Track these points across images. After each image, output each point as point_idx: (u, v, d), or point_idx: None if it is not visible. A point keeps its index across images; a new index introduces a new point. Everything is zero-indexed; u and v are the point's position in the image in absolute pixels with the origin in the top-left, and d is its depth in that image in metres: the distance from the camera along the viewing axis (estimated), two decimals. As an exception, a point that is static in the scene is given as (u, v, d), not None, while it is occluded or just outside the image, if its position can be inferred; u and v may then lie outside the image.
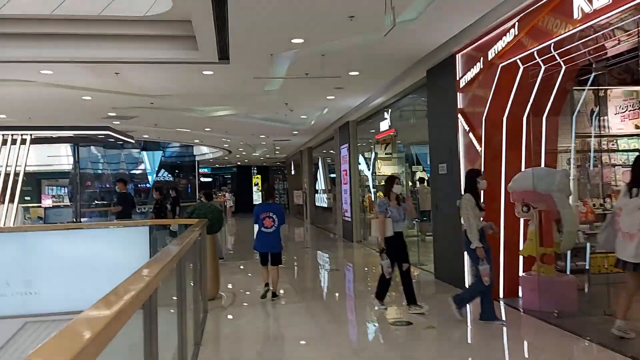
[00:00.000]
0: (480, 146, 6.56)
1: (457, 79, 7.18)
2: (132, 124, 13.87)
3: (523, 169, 6.49)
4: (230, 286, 8.56)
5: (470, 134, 6.81)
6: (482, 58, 6.46)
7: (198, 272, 5.77)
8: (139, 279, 2.06)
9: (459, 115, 7.13)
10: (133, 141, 11.04)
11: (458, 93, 7.19)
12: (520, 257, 6.63)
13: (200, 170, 34.93)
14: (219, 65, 7.79)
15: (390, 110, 11.02)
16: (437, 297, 7.07)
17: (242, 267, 11.73)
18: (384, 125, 11.44)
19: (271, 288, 7.04)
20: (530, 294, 5.95)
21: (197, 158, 31.18)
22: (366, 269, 10.74)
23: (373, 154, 13.54)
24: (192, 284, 5.29)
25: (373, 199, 13.52)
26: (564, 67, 6.10)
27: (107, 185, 30.18)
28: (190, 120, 13.85)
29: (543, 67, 6.04)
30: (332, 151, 18.56)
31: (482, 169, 6.50)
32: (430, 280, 8.26)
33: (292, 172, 28.36)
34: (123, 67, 7.86)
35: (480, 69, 6.50)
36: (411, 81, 9.03)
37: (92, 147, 29.91)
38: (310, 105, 12.42)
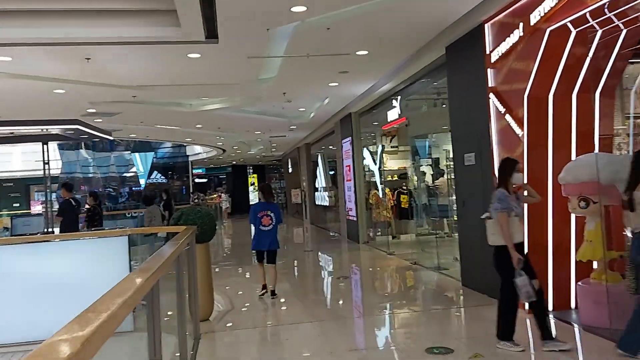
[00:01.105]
0: (522, 130, 5.47)
1: (488, 52, 6.09)
2: (116, 121, 12.71)
3: (574, 156, 5.43)
4: (226, 301, 7.48)
5: (508, 117, 5.72)
6: (521, 24, 5.36)
7: (184, 291, 4.69)
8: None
9: (491, 95, 6.05)
10: (111, 137, 9.92)
11: (488, 69, 6.11)
12: (572, 263, 5.57)
13: (194, 171, 33.81)
14: (206, 45, 6.68)
15: (400, 97, 9.92)
16: (478, 313, 5.99)
17: (239, 270, 10.65)
18: (393, 114, 10.33)
19: (270, 287, 7.10)
20: (594, 308, 4.86)
21: (190, 158, 30.01)
22: (378, 274, 9.66)
23: (380, 146, 12.45)
24: (186, 301, 4.21)
25: (381, 196, 12.43)
26: (624, 31, 5.02)
27: (100, 190, 29.10)
28: (180, 116, 12.72)
29: (600, 31, 4.97)
30: (331, 147, 17.51)
31: (526, 157, 5.44)
32: (456, 288, 7.19)
33: (290, 170, 27.26)
34: (93, 50, 6.73)
35: (520, 37, 5.41)
36: (426, 61, 7.94)
37: (81, 150, 28.78)
38: (310, 95, 11.31)
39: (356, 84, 9.82)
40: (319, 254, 12.79)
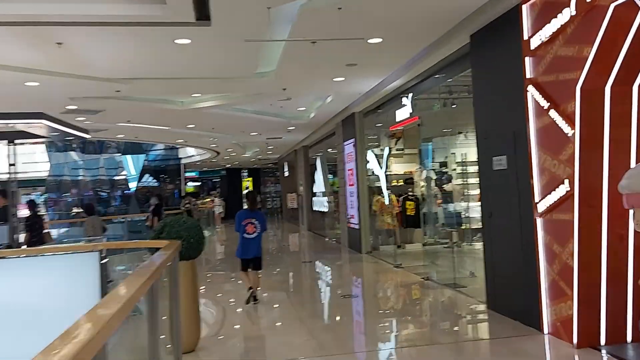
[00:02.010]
0: (572, 128, 4.57)
1: (526, 38, 5.20)
2: (101, 120, 11.76)
3: (634, 160, 4.55)
4: (217, 317, 6.54)
5: (552, 112, 4.82)
6: (573, 1, 4.48)
7: (160, 320, 3.78)
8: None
9: (530, 88, 5.15)
10: (88, 136, 8.96)
11: (526, 58, 5.21)
12: (629, 288, 4.68)
13: (187, 174, 32.80)
14: (196, 28, 5.76)
15: (411, 94, 9.02)
16: (515, 346, 5.06)
17: (232, 277, 9.69)
18: (402, 113, 9.43)
19: (253, 290, 7.07)
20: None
21: (183, 161, 29.00)
22: (387, 292, 8.74)
23: (387, 149, 11.53)
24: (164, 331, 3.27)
25: (387, 203, 11.51)
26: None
27: (89, 193, 28.02)
28: (170, 114, 11.76)
29: (674, 7, 4.08)
30: (330, 150, 16.61)
31: (577, 160, 4.54)
32: (480, 312, 6.28)
33: (286, 174, 26.32)
34: (65, 32, 5.78)
35: (571, 16, 4.52)
36: (445, 53, 7.04)
37: (71, 152, 27.67)
38: (312, 92, 10.41)
39: (364, 79, 8.90)
40: (318, 265, 11.85)
